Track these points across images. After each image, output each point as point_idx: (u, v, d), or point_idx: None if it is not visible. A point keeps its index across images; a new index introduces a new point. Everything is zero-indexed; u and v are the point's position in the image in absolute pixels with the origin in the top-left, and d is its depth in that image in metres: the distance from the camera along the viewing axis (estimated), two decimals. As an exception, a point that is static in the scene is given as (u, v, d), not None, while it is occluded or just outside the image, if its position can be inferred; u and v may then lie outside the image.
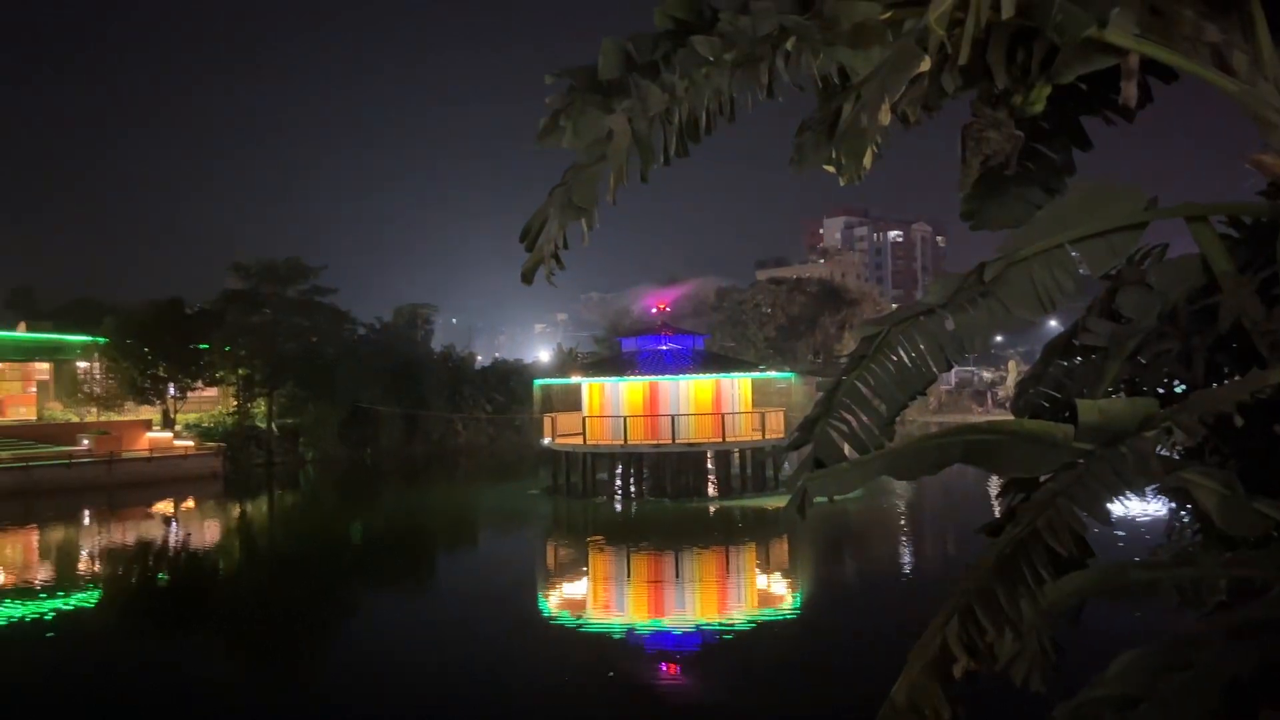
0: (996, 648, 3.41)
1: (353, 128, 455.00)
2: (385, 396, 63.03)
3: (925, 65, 3.39)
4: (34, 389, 59.06)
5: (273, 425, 56.51)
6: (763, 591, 23.01)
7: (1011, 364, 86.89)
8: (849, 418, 4.48)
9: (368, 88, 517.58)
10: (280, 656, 18.67)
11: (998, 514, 4.27)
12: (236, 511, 41.24)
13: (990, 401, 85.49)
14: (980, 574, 3.45)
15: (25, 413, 57.09)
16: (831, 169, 3.83)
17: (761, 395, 41.19)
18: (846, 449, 4.46)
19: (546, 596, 23.04)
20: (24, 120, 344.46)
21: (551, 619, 20.53)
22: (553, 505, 37.66)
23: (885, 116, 3.38)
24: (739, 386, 39.48)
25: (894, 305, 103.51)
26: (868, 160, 3.61)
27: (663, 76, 3.97)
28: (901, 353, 4.39)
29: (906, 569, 25.49)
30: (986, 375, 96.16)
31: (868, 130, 3.43)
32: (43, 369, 59.48)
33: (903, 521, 32.79)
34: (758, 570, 25.65)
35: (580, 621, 20.04)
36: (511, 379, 71.88)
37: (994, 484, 35.85)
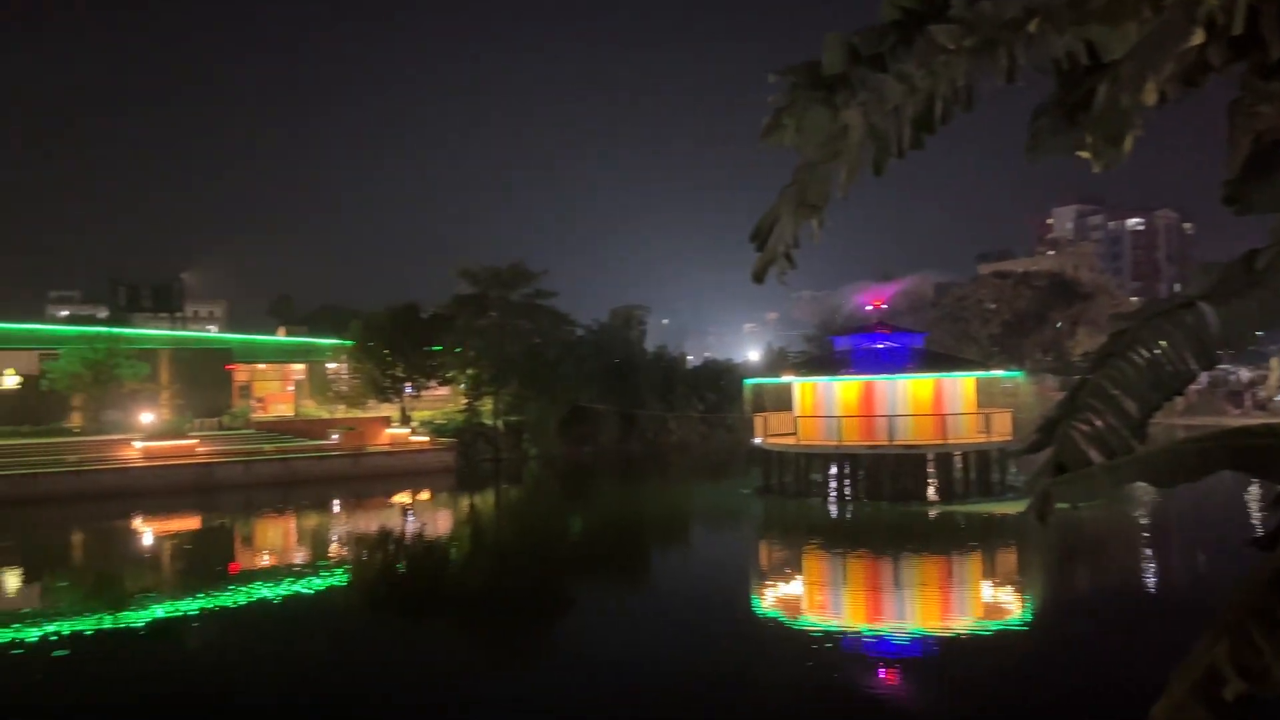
0: (1275, 670, 3.11)
1: (571, 139, 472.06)
2: (602, 395, 65.01)
3: (1198, 38, 3.13)
4: (291, 388, 65.22)
5: (499, 422, 59.53)
6: (990, 601, 21.95)
7: (1274, 362, 78.48)
8: (1095, 419, 4.21)
9: (584, 100, 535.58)
10: (507, 642, 19.64)
11: (1261, 526, 3.89)
12: (466, 504, 43.73)
13: (1250, 402, 77.54)
14: (1255, 590, 3.16)
15: (284, 409, 63.13)
16: (1086, 154, 3.60)
17: (986, 395, 39.27)
18: (1092, 453, 4.19)
19: (760, 596, 22.99)
20: (287, 150, 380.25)
21: (766, 619, 20.48)
22: (765, 505, 37.53)
23: (1150, 96, 3.16)
24: (961, 386, 37.86)
25: (1134, 299, 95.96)
26: (1128, 144, 3.37)
27: (899, 67, 3.88)
28: (1155, 349, 4.08)
29: (1151, 583, 23.58)
30: (1245, 374, 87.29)
31: (1128, 111, 3.21)
32: (298, 370, 65.57)
33: (1146, 532, 30.33)
34: (984, 579, 24.50)
35: (795, 623, 19.87)
36: (722, 378, 72.27)
37: (1254, 494, 32.48)
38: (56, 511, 38.60)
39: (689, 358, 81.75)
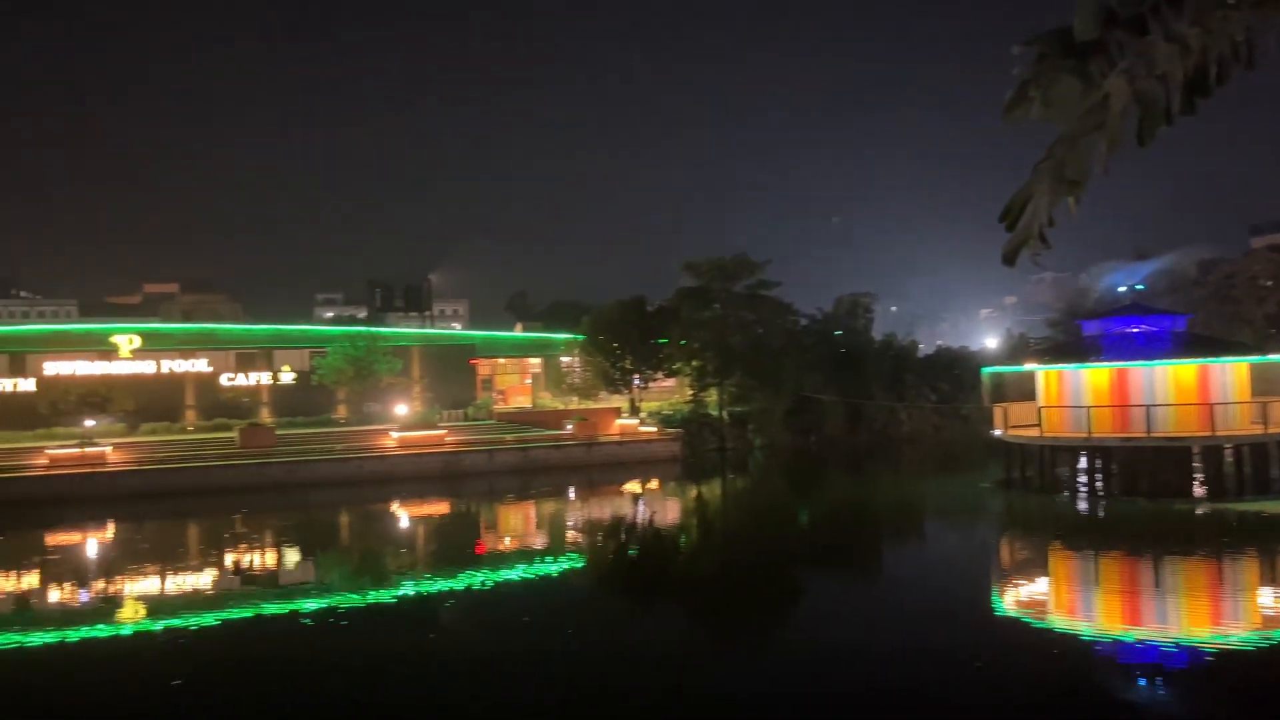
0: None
1: (791, 128, 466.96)
2: (828, 385, 63.99)
3: None
4: (529, 380, 68.53)
5: (724, 413, 59.95)
6: (1272, 609, 19.80)
7: None
8: None
9: (808, 75, 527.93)
10: (738, 630, 19.74)
11: None
12: (694, 493, 44.36)
13: None
14: None
15: (523, 401, 66.48)
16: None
17: (1262, 382, 35.39)
18: None
19: (1002, 595, 21.87)
20: (516, 151, 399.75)
21: (1008, 618, 19.45)
22: (1006, 500, 35.65)
23: None
24: (1232, 372, 34.33)
25: None
26: None
27: (1170, 27, 3.56)
28: None
29: None
30: None
31: None
32: (535, 363, 68.79)
33: None
34: (1263, 584, 22.13)
35: (1042, 623, 18.75)
36: (956, 366, 69.25)
37: None
38: (327, 495, 42.57)
39: (920, 345, 78.89)
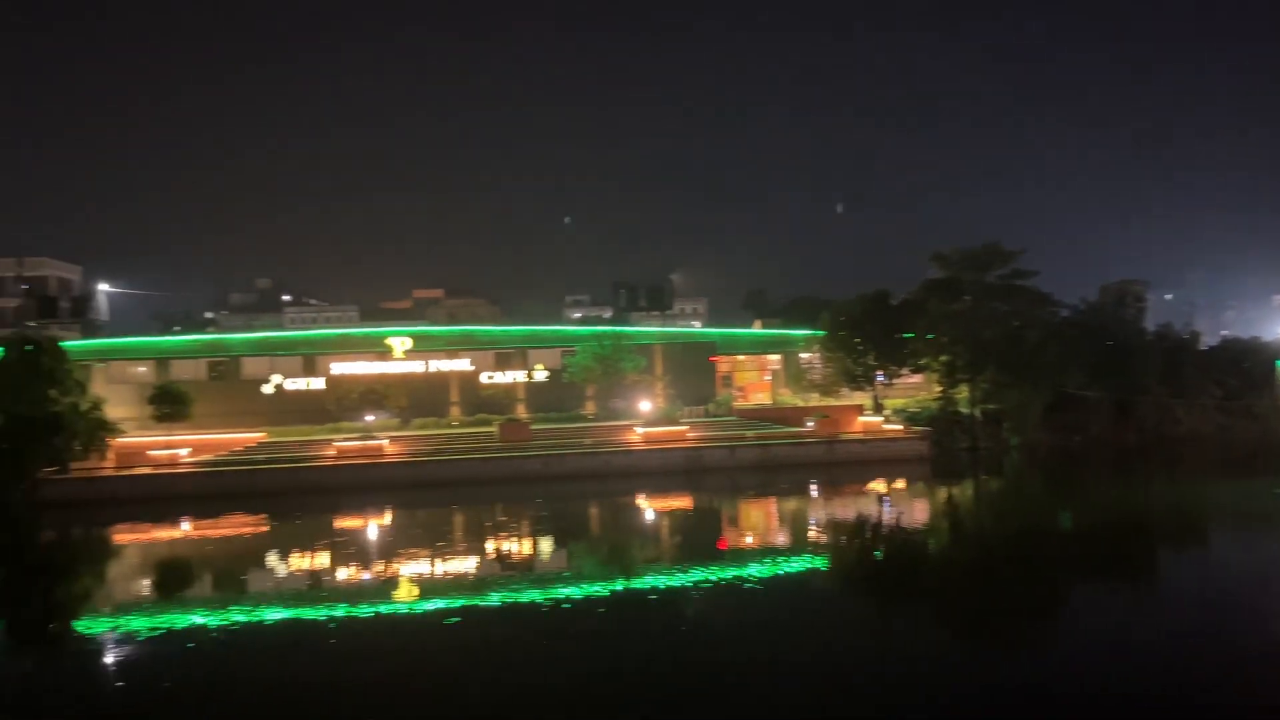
0: None
1: (1046, 96, 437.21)
2: (1092, 381, 59.42)
3: None
4: (768, 377, 68.39)
5: (976, 411, 57.08)
6: None
7: None
8: None
9: (1057, 38, 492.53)
10: (995, 638, 18.75)
11: None
12: (943, 494, 42.55)
13: None
14: None
15: (762, 398, 66.45)
16: None
17: None
18: None
19: (1306, 616, 19.42)
20: (754, 148, 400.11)
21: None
22: (1309, 509, 31.63)
23: None
24: None
25: None
26: None
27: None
28: None
29: None
30: None
31: None
32: (774, 360, 68.54)
33: None
34: None
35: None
36: (1246, 359, 62.30)
37: None
38: (577, 487, 44.44)
39: (1202, 337, 71.54)
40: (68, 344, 52.07)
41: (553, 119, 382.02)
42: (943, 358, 57.70)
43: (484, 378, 62.25)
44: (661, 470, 47.08)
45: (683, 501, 41.65)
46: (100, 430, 47.02)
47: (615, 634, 19.25)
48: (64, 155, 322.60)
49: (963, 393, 57.75)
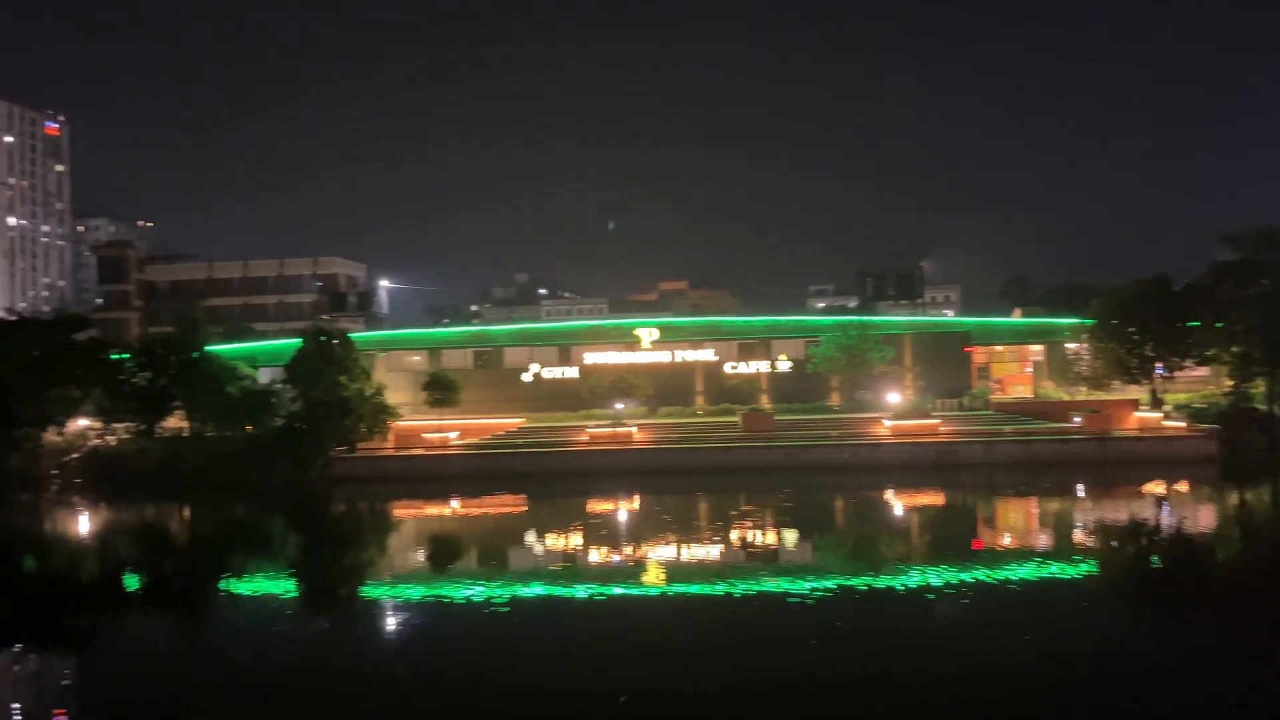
0: None
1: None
2: None
3: None
4: (1029, 369, 64.33)
5: (1275, 408, 50.93)
6: None
7: None
8: None
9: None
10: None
11: None
12: (1234, 499, 38.38)
13: None
14: None
15: (1022, 391, 62.59)
16: None
17: None
18: None
19: None
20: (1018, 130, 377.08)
21: None
22: None
23: None
24: None
25: None
26: None
27: None
28: None
29: None
30: None
31: None
32: (1036, 350, 64.37)
33: None
34: None
35: None
36: None
37: None
38: (821, 479, 43.83)
39: None
40: (355, 335, 57.48)
41: (799, 106, 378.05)
42: (1235, 348, 51.86)
43: (728, 368, 62.70)
44: (911, 465, 45.49)
45: (934, 498, 40.08)
46: (382, 414, 51.63)
47: (861, 631, 18.84)
48: (353, 166, 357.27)
49: (1259, 387, 51.67)
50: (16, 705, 16.32)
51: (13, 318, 56.76)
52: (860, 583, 23.50)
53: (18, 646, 20.15)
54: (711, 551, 28.46)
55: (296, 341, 53.97)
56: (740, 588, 22.56)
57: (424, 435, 51.89)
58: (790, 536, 31.80)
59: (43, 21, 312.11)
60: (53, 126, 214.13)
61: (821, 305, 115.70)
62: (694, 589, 22.93)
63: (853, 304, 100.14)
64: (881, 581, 23.36)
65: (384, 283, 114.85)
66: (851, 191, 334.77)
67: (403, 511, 40.85)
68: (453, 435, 51.96)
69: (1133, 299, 54.68)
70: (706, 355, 62.87)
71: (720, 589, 22.54)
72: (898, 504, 38.98)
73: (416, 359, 63.74)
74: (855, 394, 58.44)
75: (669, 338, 63.21)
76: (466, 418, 54.75)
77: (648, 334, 63.13)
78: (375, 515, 40.60)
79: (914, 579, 23.67)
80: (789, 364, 62.34)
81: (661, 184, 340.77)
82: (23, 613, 23.31)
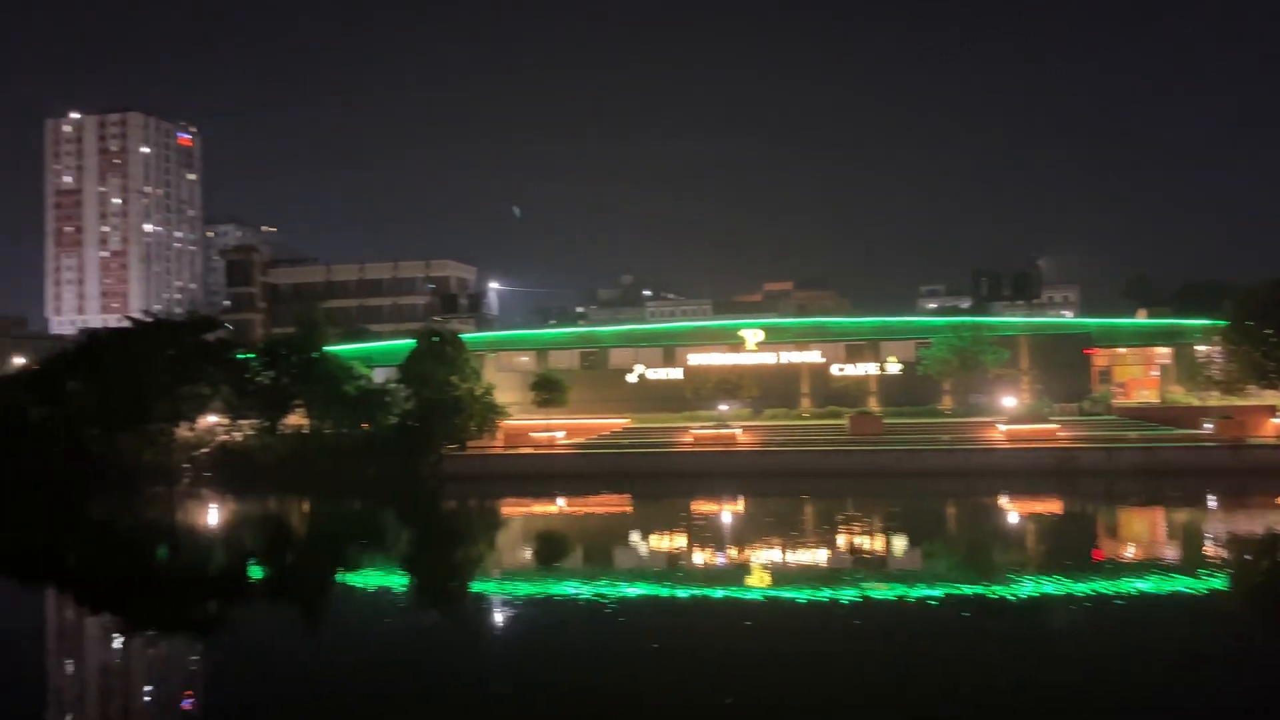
0: None
1: None
2: None
3: None
4: (1155, 373, 61.36)
5: None
6: None
7: None
8: None
9: None
10: None
11: None
12: (1386, 513, 35.84)
13: None
14: None
15: (1148, 396, 59.75)
16: None
17: None
18: None
19: None
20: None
21: None
22: None
23: None
24: None
25: None
26: None
27: None
28: None
29: None
30: None
31: None
32: (1162, 353, 61.34)
33: None
34: None
35: None
36: None
37: None
38: (932, 484, 42.76)
39: None
40: (465, 336, 58.82)
41: (912, 102, 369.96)
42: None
43: (834, 370, 61.76)
44: (1026, 471, 43.91)
45: (1051, 505, 38.65)
46: (491, 413, 52.71)
47: (974, 641, 18.29)
48: (463, 170, 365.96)
49: None
50: (149, 687, 17.25)
51: (150, 319, 60.00)
52: (972, 591, 22.81)
53: (151, 631, 21.31)
54: (817, 556, 28.08)
55: (410, 342, 55.57)
56: (846, 594, 22.17)
57: (531, 434, 52.73)
58: (899, 542, 31.10)
59: (176, 37, 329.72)
60: (185, 137, 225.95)
61: (933, 306, 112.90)
62: (798, 593, 22.64)
63: (965, 304, 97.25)
64: (995, 591, 22.61)
65: (493, 284, 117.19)
66: (965, 191, 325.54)
67: (510, 509, 41.59)
68: (559, 435, 52.65)
69: (1270, 299, 51.65)
70: (813, 357, 62.05)
71: (825, 594, 22.20)
72: (1012, 511, 37.73)
73: (524, 359, 64.79)
74: (968, 397, 56.82)
75: (774, 339, 62.63)
76: (573, 417, 55.41)
77: (753, 335, 62.70)
78: (484, 512, 41.45)
79: (1029, 588, 22.84)
80: (898, 366, 61.01)
81: (764, 183, 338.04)
82: (155, 599, 24.61)
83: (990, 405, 53.97)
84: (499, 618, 21.78)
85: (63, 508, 43.52)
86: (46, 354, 64.06)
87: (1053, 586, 22.94)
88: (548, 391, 54.76)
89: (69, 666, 19.17)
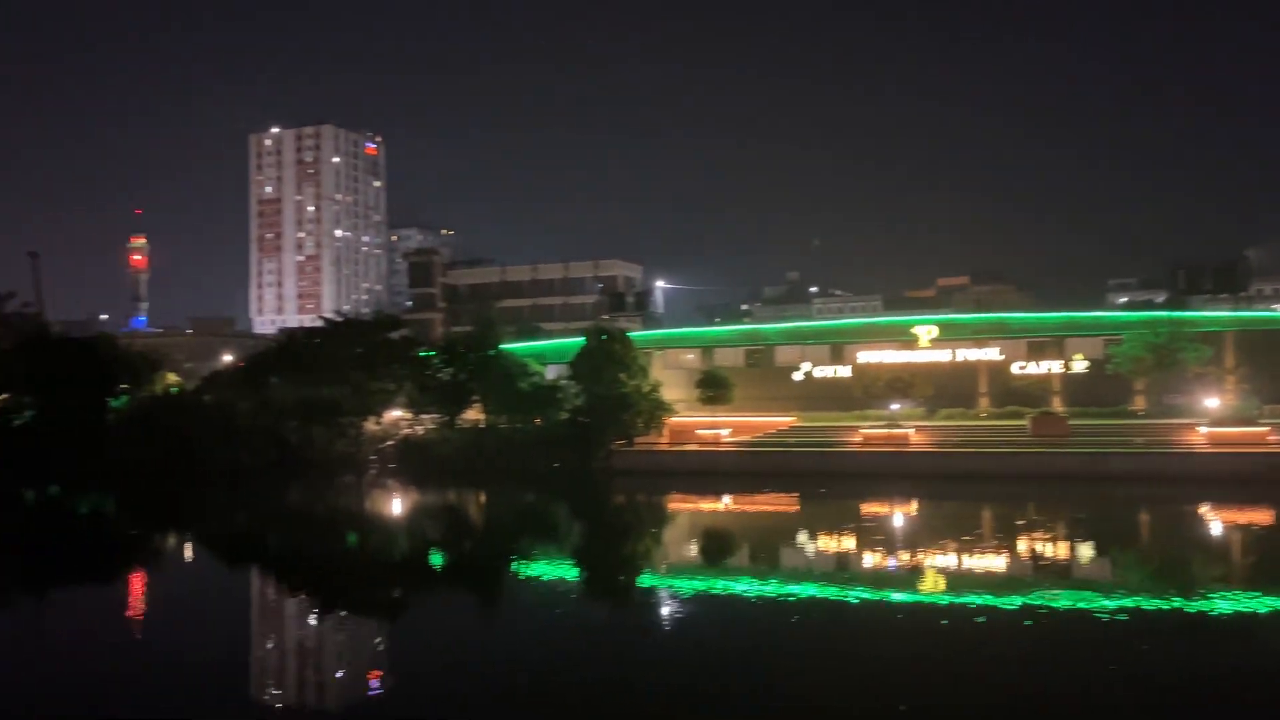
0: None
1: None
2: None
3: None
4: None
5: None
6: None
7: None
8: None
9: None
10: None
11: None
12: None
13: None
14: None
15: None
16: None
17: None
18: None
19: None
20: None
21: None
22: None
23: None
24: None
25: None
26: None
27: None
28: None
29: None
30: None
31: None
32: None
33: None
34: None
35: None
36: None
37: None
38: (1122, 490, 40.12)
39: None
40: (633, 334, 59.64)
41: (1096, 91, 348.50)
42: None
43: (1015, 368, 58.94)
44: (1231, 477, 40.51)
45: (1259, 515, 35.54)
46: (658, 410, 53.26)
47: (1171, 657, 17.05)
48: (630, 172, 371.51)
49: None
50: (339, 666, 18.39)
51: (340, 319, 63.91)
52: (1168, 605, 21.28)
53: (342, 612, 22.72)
54: (994, 562, 26.88)
55: (580, 340, 56.86)
56: (1024, 602, 21.13)
57: (697, 431, 52.92)
58: (1085, 550, 29.37)
59: (364, 51, 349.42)
60: (371, 147, 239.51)
61: (1123, 300, 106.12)
62: (974, 599, 21.73)
63: (1160, 299, 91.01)
64: (1194, 606, 21.02)
65: (659, 283, 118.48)
66: (1159, 183, 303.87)
67: (677, 505, 41.88)
68: (725, 432, 52.60)
69: None
70: (991, 354, 59.44)
71: (1003, 602, 21.23)
72: (1214, 520, 34.95)
73: (690, 357, 65.06)
74: (1163, 397, 53.07)
75: (949, 335, 60.37)
76: (738, 415, 55.24)
77: (926, 332, 60.63)
78: (652, 507, 41.92)
79: (1230, 604, 21.11)
80: (1085, 364, 57.63)
81: (940, 177, 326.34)
82: (345, 583, 26.21)
83: (1189, 406, 50.15)
84: (668, 612, 21.97)
85: (272, 498, 46.90)
86: (250, 351, 69.36)
87: (1259, 605, 21.11)
88: (713, 389, 54.79)
89: (269, 643, 20.72)
